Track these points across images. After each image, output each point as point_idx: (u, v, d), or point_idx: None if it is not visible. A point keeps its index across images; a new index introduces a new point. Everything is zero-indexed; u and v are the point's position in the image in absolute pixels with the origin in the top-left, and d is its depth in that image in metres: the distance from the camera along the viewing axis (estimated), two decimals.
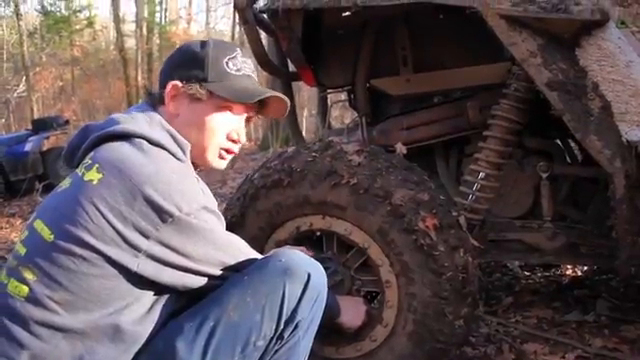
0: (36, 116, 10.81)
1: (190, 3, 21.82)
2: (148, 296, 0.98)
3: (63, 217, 0.93)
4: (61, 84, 15.65)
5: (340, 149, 1.43)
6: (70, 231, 0.92)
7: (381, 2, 1.53)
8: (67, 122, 7.03)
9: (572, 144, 1.91)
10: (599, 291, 2.08)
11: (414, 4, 1.51)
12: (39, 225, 0.96)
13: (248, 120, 1.13)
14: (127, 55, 13.60)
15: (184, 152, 1.04)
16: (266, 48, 1.86)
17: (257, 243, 1.40)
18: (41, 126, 6.64)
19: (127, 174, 0.93)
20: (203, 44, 1.08)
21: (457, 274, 1.34)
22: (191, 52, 1.08)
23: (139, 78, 13.60)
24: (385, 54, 1.92)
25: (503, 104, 1.63)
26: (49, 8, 15.23)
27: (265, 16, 1.76)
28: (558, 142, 1.91)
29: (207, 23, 21.51)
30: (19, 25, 12.57)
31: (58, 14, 15.06)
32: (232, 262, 1.03)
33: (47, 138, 6.73)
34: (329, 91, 2.15)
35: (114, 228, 0.92)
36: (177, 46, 1.19)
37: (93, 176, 0.95)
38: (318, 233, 1.47)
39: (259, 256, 1.08)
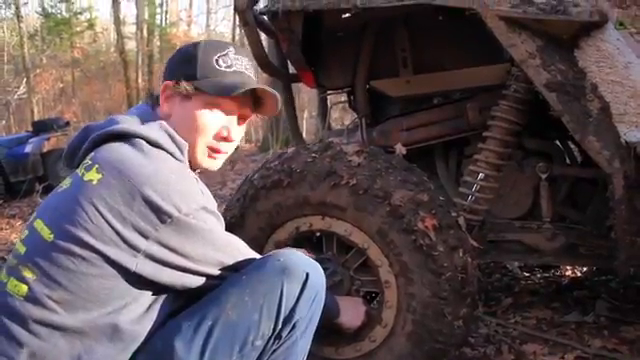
0: (36, 118, 10.82)
1: (190, 5, 21.88)
2: (147, 296, 0.98)
3: (63, 217, 0.94)
4: (61, 86, 15.66)
5: (340, 150, 1.43)
6: (69, 231, 0.92)
7: (381, 4, 1.54)
8: (67, 124, 7.04)
9: (571, 145, 1.92)
10: (598, 292, 2.09)
11: (414, 6, 1.51)
12: (39, 225, 0.97)
13: (244, 119, 1.11)
14: (127, 57, 13.61)
15: (182, 152, 1.04)
16: (267, 50, 1.87)
17: (257, 244, 1.40)
18: (41, 128, 6.65)
19: (126, 175, 0.94)
20: (196, 44, 1.09)
21: (456, 274, 1.34)
22: (184, 52, 1.09)
23: (139, 80, 13.62)
24: (385, 55, 1.92)
25: (502, 105, 1.64)
26: (50, 10, 15.25)
27: (265, 18, 1.77)
28: (557, 143, 1.91)
29: (207, 25, 21.55)
30: (20, 27, 12.59)
31: (59, 16, 15.08)
32: (231, 262, 1.03)
33: (47, 140, 6.73)
34: (329, 92, 2.15)
35: (113, 228, 0.92)
36: (177, 48, 1.19)
37: (93, 176, 0.95)
38: (318, 234, 1.47)
39: (258, 256, 1.08)
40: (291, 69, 2.04)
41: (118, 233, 0.92)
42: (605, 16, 1.38)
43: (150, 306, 0.98)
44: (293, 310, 1.00)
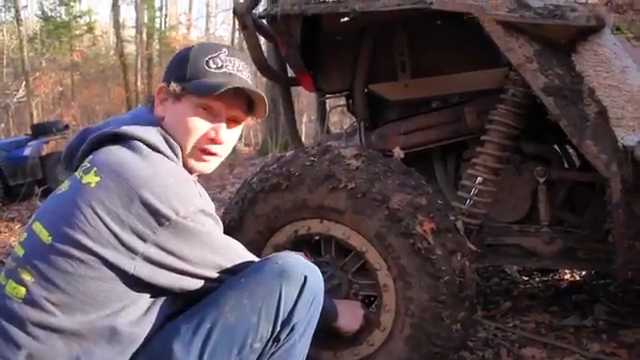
0: (35, 121, 10.84)
1: (190, 9, 21.95)
2: (145, 298, 0.98)
3: (61, 219, 0.94)
4: (61, 89, 15.67)
5: (338, 153, 1.44)
6: (68, 233, 0.92)
7: (379, 8, 1.55)
8: (66, 127, 7.04)
9: (569, 149, 1.92)
10: (597, 296, 2.09)
11: (412, 10, 1.52)
12: (37, 227, 0.97)
13: (236, 121, 1.10)
14: (127, 60, 13.65)
15: (176, 155, 1.04)
16: (266, 53, 1.87)
17: (255, 247, 1.40)
18: (40, 131, 6.65)
19: (124, 177, 0.94)
20: (190, 47, 1.09)
21: (454, 278, 1.34)
22: (178, 55, 1.10)
23: (139, 83, 13.64)
24: (383, 59, 1.93)
25: (500, 109, 1.64)
26: (49, 13, 15.29)
27: (264, 21, 1.78)
28: (555, 147, 1.91)
29: (207, 29, 21.62)
30: (19, 30, 12.62)
31: (58, 19, 15.12)
32: (229, 265, 1.03)
33: (46, 143, 6.72)
34: (328, 96, 2.16)
35: (111, 231, 0.92)
36: (176, 52, 1.19)
37: (91, 179, 0.95)
38: (316, 237, 1.48)
39: (256, 259, 1.08)
40: (290, 73, 2.04)
41: (116, 236, 0.92)
42: (602, 21, 1.39)
43: (148, 309, 0.98)
44: (291, 313, 1.00)
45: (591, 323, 1.85)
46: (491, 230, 1.81)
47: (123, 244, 0.93)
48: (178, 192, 0.96)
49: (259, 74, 1.99)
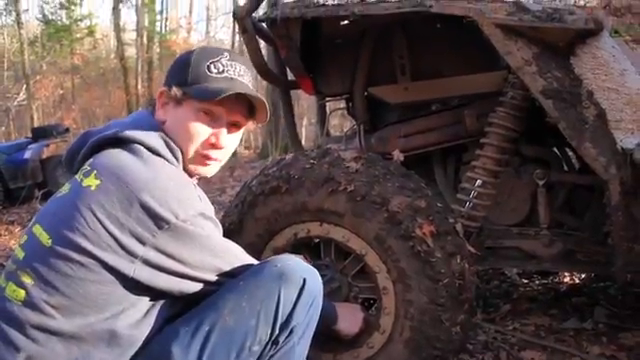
0: (36, 124, 10.85)
1: (190, 12, 22.02)
2: (144, 301, 0.98)
3: (61, 222, 0.94)
4: (61, 92, 15.70)
5: (338, 156, 1.44)
6: (68, 236, 0.92)
7: (379, 11, 1.55)
8: (67, 130, 7.05)
9: (569, 152, 1.92)
10: (597, 299, 2.09)
11: (411, 13, 1.53)
12: (38, 230, 0.97)
13: (237, 126, 1.10)
14: (127, 64, 13.67)
15: (176, 158, 1.04)
16: (266, 57, 1.87)
17: (255, 250, 1.40)
18: (41, 134, 6.65)
19: (124, 181, 0.94)
20: (191, 51, 1.10)
21: (454, 281, 1.34)
22: (179, 59, 1.10)
23: (139, 87, 13.66)
24: (383, 62, 1.93)
25: (500, 112, 1.65)
26: (50, 17, 15.33)
27: (264, 25, 1.78)
28: (555, 150, 1.92)
29: (207, 32, 21.66)
30: (20, 34, 12.64)
31: (59, 23, 15.16)
32: (228, 268, 1.03)
33: (47, 146, 6.73)
34: (327, 99, 2.16)
35: (111, 234, 0.92)
36: (177, 55, 1.19)
37: (91, 182, 0.96)
38: (316, 240, 1.48)
39: (255, 262, 1.09)
40: (290, 76, 2.05)
41: (116, 239, 0.92)
42: (600, 24, 1.39)
43: (148, 311, 0.99)
44: (290, 316, 1.00)
45: (591, 326, 1.85)
46: (491, 233, 1.81)
47: (123, 247, 0.93)
48: (178, 195, 0.96)
49: (259, 77, 1.99)
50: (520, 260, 1.82)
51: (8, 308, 0.93)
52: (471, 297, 1.39)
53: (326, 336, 1.33)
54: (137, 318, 0.97)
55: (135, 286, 0.95)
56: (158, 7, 16.80)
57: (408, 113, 1.99)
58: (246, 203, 1.47)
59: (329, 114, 2.31)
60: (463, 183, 1.71)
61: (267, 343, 1.00)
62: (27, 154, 6.30)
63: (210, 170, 1.10)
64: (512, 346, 1.75)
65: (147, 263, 0.94)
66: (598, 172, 1.40)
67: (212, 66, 1.05)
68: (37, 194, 5.69)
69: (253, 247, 1.42)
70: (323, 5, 1.60)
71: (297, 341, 1.03)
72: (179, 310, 1.02)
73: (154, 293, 0.98)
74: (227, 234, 1.16)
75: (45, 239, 0.94)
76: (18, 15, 12.70)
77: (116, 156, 1.00)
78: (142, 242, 0.93)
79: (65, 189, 1.01)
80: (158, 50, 16.21)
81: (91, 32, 15.78)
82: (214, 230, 1.03)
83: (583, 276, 2.34)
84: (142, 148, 1.01)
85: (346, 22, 1.72)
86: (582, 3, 1.48)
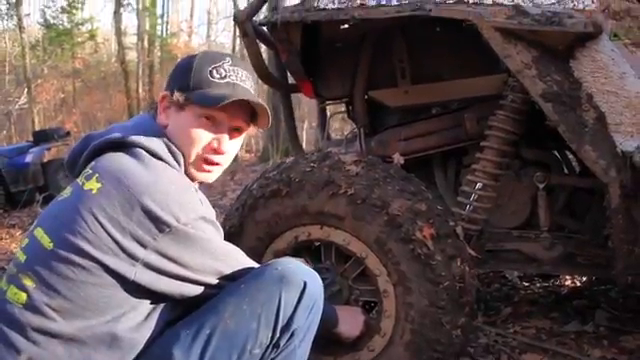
0: (37, 128, 10.85)
1: (191, 16, 22.07)
2: (145, 304, 0.98)
3: (63, 226, 0.94)
4: (62, 96, 15.73)
5: (338, 159, 1.44)
6: (69, 240, 0.93)
7: (378, 15, 1.56)
8: (68, 134, 7.07)
9: (569, 155, 1.93)
10: (598, 302, 2.08)
11: (411, 17, 1.53)
12: (39, 233, 0.97)
13: (239, 131, 1.10)
14: (128, 67, 13.70)
15: (178, 162, 1.05)
16: (266, 61, 1.88)
17: (255, 253, 1.41)
18: (42, 138, 6.67)
19: (126, 184, 0.95)
20: (193, 56, 1.10)
21: (454, 283, 1.34)
22: (182, 64, 1.10)
23: (140, 90, 13.69)
24: (383, 66, 1.94)
25: (499, 115, 1.65)
26: (51, 21, 15.38)
27: (265, 29, 1.79)
28: (555, 153, 1.92)
29: (208, 36, 21.71)
30: (22, 38, 12.68)
31: (60, 27, 15.20)
32: (229, 271, 1.03)
33: (48, 149, 6.74)
34: (328, 103, 2.17)
35: (112, 237, 0.93)
36: (178, 59, 1.20)
37: (93, 185, 0.96)
38: (316, 243, 1.48)
39: (256, 265, 1.09)
40: (290, 80, 2.06)
41: (117, 242, 0.93)
42: (599, 27, 1.40)
43: (149, 315, 0.99)
44: (291, 319, 1.00)
45: (592, 329, 1.85)
46: (491, 236, 1.81)
47: (124, 250, 0.93)
48: (179, 199, 0.97)
49: (260, 81, 2.00)
50: (521, 263, 1.82)
51: (9, 311, 0.93)
52: (472, 300, 1.39)
53: (327, 339, 1.33)
54: (138, 321, 0.97)
55: (136, 289, 0.95)
56: (159, 11, 16.89)
57: (408, 116, 1.99)
58: (247, 206, 1.48)
59: (329, 117, 2.31)
60: (463, 186, 1.71)
61: (268, 346, 1.00)
62: (28, 158, 6.31)
63: (212, 176, 1.10)
64: (513, 349, 1.75)
65: (148, 266, 0.95)
66: (598, 175, 1.40)
67: (214, 71, 1.06)
68: (38, 198, 5.70)
69: (254, 250, 1.42)
70: (323, 9, 1.61)
71: (298, 344, 1.03)
72: (180, 313, 1.02)
73: (155, 296, 0.98)
74: (228, 237, 1.16)
75: (47, 242, 0.95)
76: (20, 19, 12.74)
77: (118, 160, 1.00)
78: (143, 245, 0.93)
79: (67, 192, 1.01)
80: (159, 54, 16.25)
81: (92, 36, 15.82)
82: (215, 233, 1.03)
83: (584, 279, 2.34)
84: (144, 152, 1.01)
85: (346, 26, 1.73)
86: (581, 7, 1.48)
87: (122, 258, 0.93)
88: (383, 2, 1.57)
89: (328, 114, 2.30)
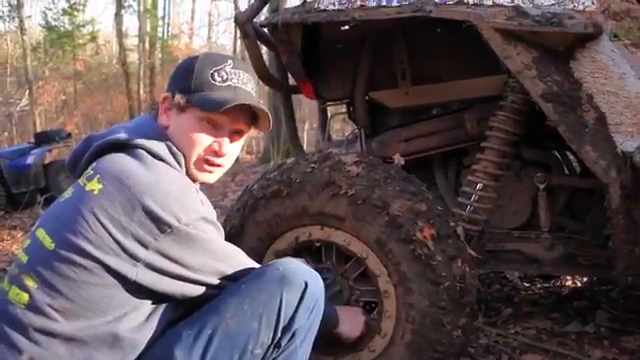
0: (39, 129, 10.89)
1: (192, 18, 22.11)
2: (146, 305, 0.99)
3: (64, 226, 0.95)
4: (64, 98, 15.76)
5: (338, 160, 1.45)
6: (71, 240, 0.93)
7: (379, 16, 1.56)
8: (69, 135, 7.09)
9: (569, 155, 1.93)
10: (599, 302, 2.08)
11: (411, 18, 1.54)
12: (41, 233, 0.98)
13: (240, 133, 1.11)
14: (129, 69, 13.73)
15: (179, 163, 1.05)
16: (267, 62, 1.88)
17: (256, 254, 1.41)
18: (43, 139, 6.69)
19: (127, 185, 0.95)
20: (196, 57, 1.10)
21: (455, 284, 1.34)
22: (183, 66, 1.11)
23: (141, 92, 13.71)
24: (383, 67, 1.94)
25: (500, 116, 1.65)
26: (53, 23, 15.42)
27: (265, 30, 1.79)
28: (555, 153, 1.92)
29: (209, 37, 21.75)
30: (23, 40, 12.71)
31: (62, 29, 15.24)
32: (230, 272, 1.04)
33: (49, 151, 6.76)
34: (328, 104, 2.17)
35: (114, 238, 0.93)
36: (179, 60, 1.20)
37: (94, 186, 0.96)
38: (317, 244, 1.48)
39: (257, 266, 1.09)
40: (291, 81, 2.06)
41: (118, 243, 0.93)
42: (599, 28, 1.40)
43: (150, 315, 0.99)
44: (292, 319, 1.00)
45: (593, 329, 1.85)
46: (492, 236, 1.81)
47: (125, 251, 0.93)
48: (180, 199, 0.97)
49: (261, 82, 2.01)
50: (521, 263, 1.82)
51: (11, 311, 0.94)
52: (472, 300, 1.39)
53: (327, 339, 1.33)
54: (139, 321, 0.98)
55: (137, 289, 0.96)
56: (160, 13, 16.92)
57: (409, 117, 2.00)
58: (247, 207, 1.48)
59: (330, 118, 2.32)
60: (464, 187, 1.71)
61: (269, 346, 1.00)
62: (30, 159, 6.33)
63: (212, 177, 1.11)
64: (514, 350, 1.75)
65: (149, 267, 0.95)
66: (598, 175, 1.40)
67: (216, 74, 1.06)
68: (39, 199, 5.71)
69: (255, 251, 1.42)
70: (324, 10, 1.61)
71: (299, 344, 1.03)
72: (181, 313, 1.03)
73: (156, 296, 0.99)
74: (229, 238, 1.16)
75: (48, 243, 0.95)
76: (21, 21, 12.78)
77: (119, 160, 1.00)
78: (145, 246, 0.94)
79: (68, 193, 1.02)
80: (160, 55, 16.27)
81: (93, 38, 15.86)
82: (216, 234, 1.04)
83: (585, 279, 2.34)
84: (145, 153, 1.02)
85: (346, 27, 1.73)
86: (581, 8, 1.49)
87: (123, 258, 0.93)
88: (383, 3, 1.58)
89: (329, 115, 2.30)
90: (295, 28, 1.67)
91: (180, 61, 1.18)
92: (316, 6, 1.63)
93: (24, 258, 0.98)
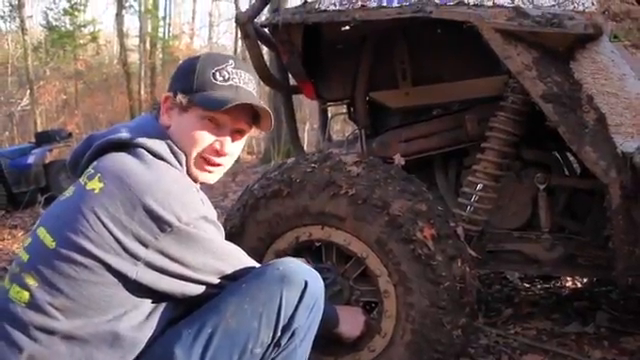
0: (39, 129, 10.90)
1: (193, 18, 22.16)
2: (147, 303, 0.99)
3: (65, 225, 0.95)
4: (64, 97, 15.78)
5: (339, 160, 1.45)
6: (71, 239, 0.93)
7: (380, 17, 1.56)
8: (70, 135, 7.09)
9: (569, 156, 1.93)
10: (599, 303, 2.08)
11: (412, 19, 1.54)
12: (42, 232, 0.98)
13: (241, 133, 1.11)
14: (130, 69, 13.75)
15: (180, 163, 1.05)
16: (268, 62, 1.89)
17: (257, 253, 1.41)
18: (44, 139, 6.69)
19: (127, 184, 0.95)
20: (197, 57, 1.10)
21: (455, 284, 1.35)
22: (185, 65, 1.11)
23: (142, 92, 13.73)
24: (384, 67, 1.94)
25: (500, 116, 1.65)
26: (54, 23, 15.44)
27: (266, 30, 1.80)
28: (555, 154, 1.92)
29: (210, 38, 21.78)
30: (24, 39, 12.73)
31: (63, 29, 15.26)
32: (230, 271, 1.04)
33: (50, 151, 6.77)
34: (329, 104, 2.17)
35: (114, 237, 0.93)
36: (180, 61, 1.20)
37: (95, 185, 0.97)
38: (317, 243, 1.48)
39: (257, 265, 1.09)
40: (292, 81, 2.06)
41: (119, 241, 0.93)
42: (600, 29, 1.40)
43: (150, 314, 0.99)
44: (292, 318, 1.01)
45: (593, 330, 1.85)
46: (492, 237, 1.82)
47: (126, 250, 0.94)
48: (181, 199, 0.97)
49: (261, 83, 2.01)
50: (521, 264, 1.82)
51: (12, 309, 0.94)
52: (472, 300, 1.39)
53: (327, 339, 1.33)
54: (140, 320, 0.98)
55: (138, 288, 0.96)
56: (161, 13, 16.93)
57: (409, 118, 2.00)
58: (248, 206, 1.48)
59: (331, 119, 2.32)
60: (464, 187, 1.71)
61: (269, 345, 1.00)
62: (30, 159, 6.34)
63: (213, 177, 1.11)
64: (514, 350, 1.76)
65: (150, 266, 0.95)
66: (598, 176, 1.40)
67: (217, 74, 1.06)
68: (40, 199, 5.71)
69: (255, 250, 1.42)
70: (324, 11, 1.62)
71: (299, 343, 1.03)
72: (181, 312, 1.03)
73: (157, 295, 0.99)
74: (229, 237, 1.16)
75: (49, 241, 0.95)
76: (22, 21, 12.79)
77: (120, 160, 1.01)
78: (145, 245, 0.94)
79: (69, 192, 1.02)
80: (161, 56, 16.29)
81: (94, 38, 15.87)
82: (216, 233, 1.04)
83: (585, 280, 2.34)
84: (146, 152, 1.02)
85: (347, 28, 1.73)
86: (581, 8, 1.49)
87: (124, 257, 0.94)
88: (384, 4, 1.58)
89: (329, 115, 2.30)
90: (296, 28, 1.67)
91: (181, 61, 1.18)
92: (317, 6, 1.63)
93: (25, 257, 0.98)
